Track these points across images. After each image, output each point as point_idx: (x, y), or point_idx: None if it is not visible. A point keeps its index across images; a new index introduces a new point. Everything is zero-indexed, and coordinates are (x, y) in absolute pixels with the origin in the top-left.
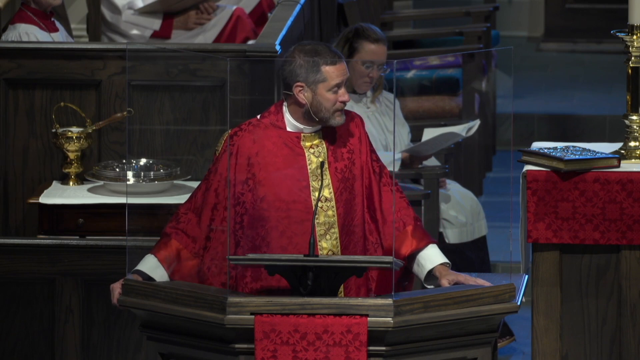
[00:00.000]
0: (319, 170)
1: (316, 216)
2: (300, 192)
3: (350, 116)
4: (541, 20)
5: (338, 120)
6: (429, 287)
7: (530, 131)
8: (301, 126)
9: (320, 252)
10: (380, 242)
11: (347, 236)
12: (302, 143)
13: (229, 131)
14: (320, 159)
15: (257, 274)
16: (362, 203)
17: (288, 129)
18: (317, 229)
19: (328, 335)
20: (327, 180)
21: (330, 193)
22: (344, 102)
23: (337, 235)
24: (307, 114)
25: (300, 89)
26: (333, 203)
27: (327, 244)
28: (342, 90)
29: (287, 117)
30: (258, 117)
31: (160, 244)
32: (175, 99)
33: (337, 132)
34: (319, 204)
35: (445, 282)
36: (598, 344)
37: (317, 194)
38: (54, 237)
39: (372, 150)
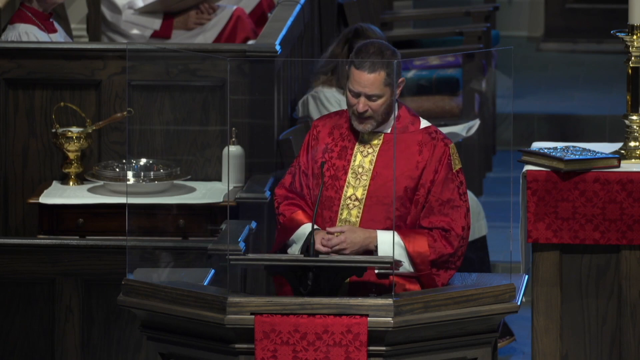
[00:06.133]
0: (361, 170)
1: (340, 212)
2: (335, 184)
3: (434, 136)
4: (541, 20)
5: (356, 124)
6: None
7: (530, 131)
8: None
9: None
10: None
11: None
12: (360, 138)
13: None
14: (367, 159)
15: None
16: (393, 216)
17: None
18: (337, 224)
19: (328, 335)
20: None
21: (363, 194)
22: (359, 112)
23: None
24: None
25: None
26: (362, 205)
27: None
28: (360, 100)
29: None
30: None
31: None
32: (175, 99)
33: (405, 143)
34: (348, 202)
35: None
36: (598, 344)
37: (350, 190)
38: (54, 237)
39: (450, 180)
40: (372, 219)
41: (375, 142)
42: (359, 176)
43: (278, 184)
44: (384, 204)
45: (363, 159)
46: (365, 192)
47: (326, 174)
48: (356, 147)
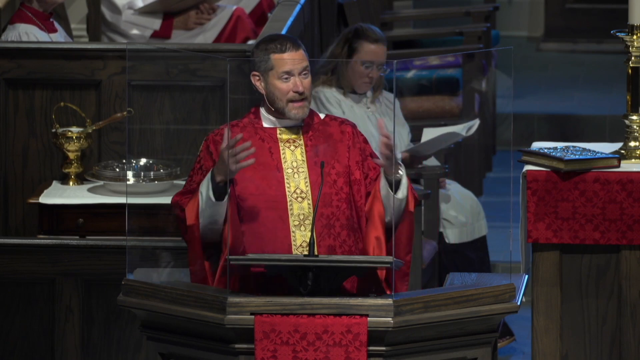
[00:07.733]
0: (295, 164)
1: (290, 208)
2: (274, 185)
3: (340, 120)
4: (541, 20)
5: (294, 113)
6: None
7: (530, 131)
8: (275, 119)
9: (293, 243)
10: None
11: (326, 229)
12: (278, 137)
13: (209, 134)
14: (298, 152)
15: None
16: (348, 199)
17: (265, 125)
18: (290, 219)
19: (328, 335)
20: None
21: (306, 186)
22: (298, 92)
23: (312, 227)
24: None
25: (257, 78)
26: (310, 195)
27: (301, 235)
28: (295, 79)
29: (263, 113)
30: (237, 120)
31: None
32: (175, 99)
33: (321, 130)
34: (295, 196)
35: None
36: (598, 344)
37: (293, 185)
38: (54, 237)
39: (372, 155)
40: (327, 204)
41: (295, 135)
42: (295, 170)
43: (173, 197)
44: (334, 189)
45: (293, 153)
46: (308, 181)
47: (256, 177)
48: (280, 145)
